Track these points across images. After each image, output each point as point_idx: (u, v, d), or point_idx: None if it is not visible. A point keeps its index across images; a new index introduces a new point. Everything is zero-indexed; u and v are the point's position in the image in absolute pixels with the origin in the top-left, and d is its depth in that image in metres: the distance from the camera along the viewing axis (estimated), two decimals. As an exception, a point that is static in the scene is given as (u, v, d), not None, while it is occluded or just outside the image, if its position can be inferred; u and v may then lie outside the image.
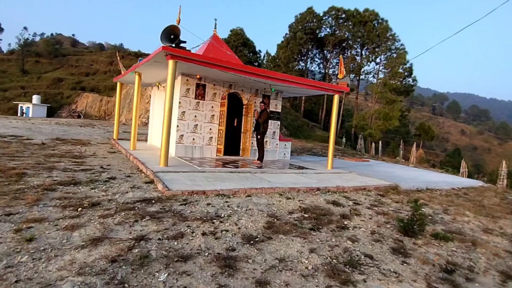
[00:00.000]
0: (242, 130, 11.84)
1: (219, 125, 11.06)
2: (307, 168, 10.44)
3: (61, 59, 61.67)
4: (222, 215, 4.86)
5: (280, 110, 12.59)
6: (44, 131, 14.95)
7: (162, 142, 7.96)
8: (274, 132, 12.50)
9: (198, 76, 10.42)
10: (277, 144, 12.57)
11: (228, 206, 5.38)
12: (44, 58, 62.02)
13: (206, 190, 6.00)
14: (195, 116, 10.63)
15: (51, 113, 40.42)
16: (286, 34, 52.74)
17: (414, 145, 20.87)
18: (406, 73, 43.09)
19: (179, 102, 10.32)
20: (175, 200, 5.39)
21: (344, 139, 31.62)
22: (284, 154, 13.15)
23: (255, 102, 11.72)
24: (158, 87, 13.22)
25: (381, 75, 46.94)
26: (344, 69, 11.34)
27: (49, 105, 40.78)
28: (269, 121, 11.38)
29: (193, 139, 10.65)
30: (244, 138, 11.73)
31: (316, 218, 5.21)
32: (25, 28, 72.97)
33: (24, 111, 38.81)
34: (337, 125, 49.82)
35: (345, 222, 5.18)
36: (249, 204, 5.63)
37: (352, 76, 50.48)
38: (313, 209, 5.70)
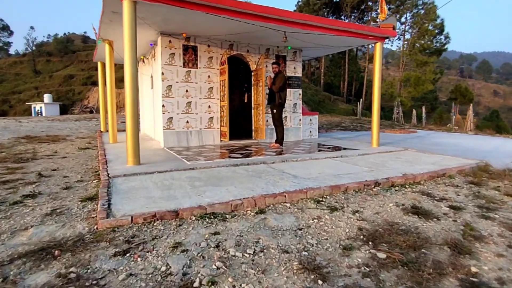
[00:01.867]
0: (253, 104, 8.97)
1: (220, 100, 8.23)
2: (346, 149, 7.51)
3: (71, 56, 60.73)
4: (198, 280, 2.11)
5: (300, 75, 9.58)
6: (22, 129, 12.71)
7: (127, 130, 5.26)
8: (295, 104, 9.54)
9: (184, 35, 7.56)
10: (300, 120, 9.64)
11: (217, 246, 2.62)
12: (54, 56, 61.33)
13: (181, 208, 3.26)
14: (186, 90, 7.84)
15: (64, 111, 39.35)
16: (299, 1, 48.46)
17: (471, 108, 17.26)
18: (436, 31, 38.27)
19: (162, 74, 7.54)
20: (112, 239, 2.68)
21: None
22: (310, 131, 10.21)
23: (266, 66, 8.78)
24: (144, 61, 10.47)
25: (407, 36, 42.20)
26: (386, 9, 8.13)
27: (61, 103, 39.98)
28: (287, 89, 8.42)
29: (187, 121, 7.90)
30: (255, 115, 8.87)
31: (404, 261, 2.38)
32: (32, 27, 71.52)
33: (38, 111, 38.25)
34: (362, 95, 45.91)
35: (469, 265, 2.32)
36: (261, 234, 2.85)
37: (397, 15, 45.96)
38: (387, 234, 2.86)
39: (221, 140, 8.34)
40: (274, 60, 8.69)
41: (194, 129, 7.99)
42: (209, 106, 8.15)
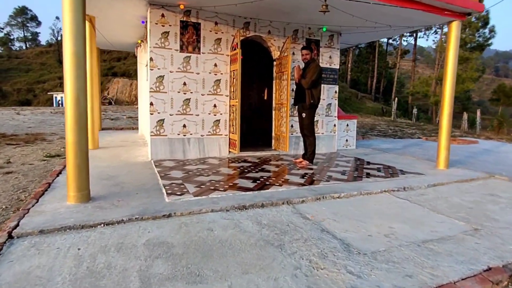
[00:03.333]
0: (274, 104, 6.82)
1: (230, 98, 6.13)
2: (403, 172, 5.24)
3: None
4: None
5: (337, 67, 7.32)
6: (10, 124, 11.11)
7: (67, 146, 3.25)
8: (330, 105, 7.30)
9: (182, 7, 5.48)
10: (335, 125, 7.40)
11: None
12: (78, 47, 61.15)
13: None
14: (184, 83, 5.77)
15: (85, 102, 38.90)
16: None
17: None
18: (480, 23, 34.52)
19: (150, 59, 5.51)
20: None
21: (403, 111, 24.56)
22: (346, 140, 7.96)
23: (293, 54, 6.59)
24: (141, 45, 8.51)
25: (445, 29, 38.49)
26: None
27: (82, 93, 39.59)
28: (321, 85, 6.17)
29: (184, 126, 5.85)
30: (277, 119, 6.71)
31: None
32: (57, 18, 71.56)
33: (59, 101, 38.00)
34: (392, 93, 42.81)
35: None
36: None
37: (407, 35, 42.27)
38: None
39: (229, 151, 6.26)
40: (305, 45, 6.48)
41: (193, 136, 5.94)
42: (215, 106, 6.06)
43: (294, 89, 5.82)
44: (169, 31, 5.58)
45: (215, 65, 5.98)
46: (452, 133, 14.94)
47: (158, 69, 5.56)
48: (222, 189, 3.90)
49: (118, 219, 2.86)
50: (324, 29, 6.77)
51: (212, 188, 3.92)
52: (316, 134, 5.90)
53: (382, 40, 46.71)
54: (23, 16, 68.52)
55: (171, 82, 5.66)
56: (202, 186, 3.98)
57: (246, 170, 5.01)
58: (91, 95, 6.86)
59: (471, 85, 31.43)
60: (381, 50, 47.10)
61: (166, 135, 5.72)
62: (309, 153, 5.59)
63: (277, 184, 4.22)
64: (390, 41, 49.70)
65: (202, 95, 5.93)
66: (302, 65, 5.84)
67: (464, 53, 32.77)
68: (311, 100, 5.38)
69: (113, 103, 37.06)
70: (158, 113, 5.63)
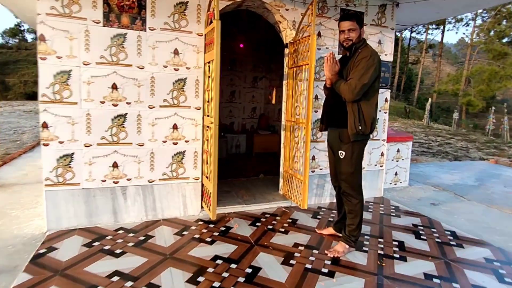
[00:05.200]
0: (284, 121, 4.04)
1: (203, 113, 3.38)
2: None
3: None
4: None
5: (391, 59, 4.47)
6: None
7: None
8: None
9: None
10: (382, 154, 4.56)
11: None
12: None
13: None
14: (113, 86, 3.06)
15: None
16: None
17: None
18: (520, 14, 30.66)
19: (40, 38, 2.81)
20: None
21: (427, 112, 20.60)
22: (396, 174, 5.13)
23: (318, 35, 3.80)
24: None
25: (478, 22, 34.70)
26: None
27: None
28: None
29: (115, 165, 3.14)
30: (289, 147, 3.92)
31: None
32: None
33: None
34: (415, 91, 39.41)
35: None
36: None
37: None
38: None
39: (201, 207, 3.53)
40: (338, 19, 3.66)
41: (133, 182, 3.23)
42: (175, 127, 3.33)
43: (324, 100, 3.02)
44: (81, -15, 2.87)
45: (176, 52, 3.24)
46: (506, 142, 11.82)
47: (58, 58, 2.86)
48: None
49: None
50: (373, -6, 3.94)
51: None
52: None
53: (404, 33, 42.98)
54: (32, 6, 67.42)
55: (86, 83, 2.96)
56: None
57: (226, 274, 2.28)
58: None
59: (509, 83, 27.90)
60: (402, 44, 43.41)
61: (78, 184, 3.03)
62: (351, 230, 2.79)
63: None
64: (414, 34, 45.93)
65: (151, 107, 3.21)
66: (337, 53, 3.06)
67: (501, 47, 29.25)
68: (359, 126, 2.58)
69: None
70: (61, 142, 2.94)
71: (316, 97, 3.89)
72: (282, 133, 4.10)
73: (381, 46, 4.27)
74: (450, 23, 37.73)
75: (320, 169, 4.04)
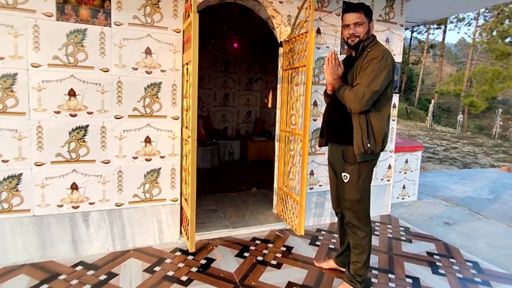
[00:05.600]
0: (278, 130, 3.53)
1: (182, 124, 2.87)
2: None
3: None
4: None
5: (399, 60, 3.96)
6: None
7: None
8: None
9: None
10: (389, 167, 4.05)
11: None
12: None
13: None
14: (71, 93, 2.54)
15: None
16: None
17: None
18: (524, 13, 30.15)
19: (-27, 34, 2.31)
20: None
21: (430, 113, 19.87)
22: (404, 187, 4.62)
23: (317, 32, 3.28)
24: None
25: (481, 21, 34.17)
26: None
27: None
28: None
29: (74, 187, 2.62)
30: (283, 160, 3.41)
31: None
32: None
33: None
34: (417, 92, 38.96)
35: None
36: None
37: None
38: None
39: (180, 233, 3.02)
40: (340, 13, 3.13)
41: (97, 207, 2.72)
42: (148, 140, 2.81)
43: (325, 109, 2.50)
44: (28, -30, 2.35)
45: (148, 51, 2.72)
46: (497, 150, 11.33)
47: (0, 59, 2.34)
48: None
49: None
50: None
51: None
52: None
53: (405, 33, 42.50)
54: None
55: (36, 90, 2.44)
56: None
57: None
58: None
59: (513, 84, 27.41)
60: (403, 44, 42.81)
61: (28, 210, 2.52)
62: (357, 269, 2.27)
63: None
64: (415, 34, 45.39)
65: (118, 117, 2.69)
66: (340, 53, 2.55)
67: (505, 47, 28.76)
68: (368, 143, 2.07)
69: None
70: (5, 161, 2.42)
71: (315, 104, 3.38)
72: (276, 144, 3.59)
73: (388, 45, 3.76)
74: (451, 22, 37.24)
75: (320, 186, 3.53)
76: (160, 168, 2.87)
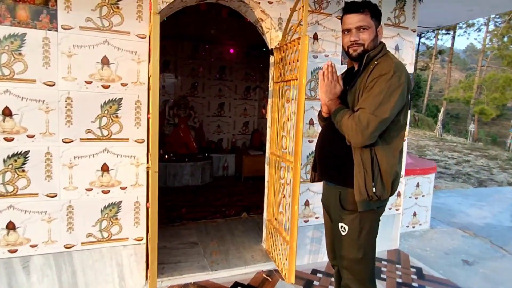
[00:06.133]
0: (268, 153, 3.03)
1: (147, 150, 2.37)
2: None
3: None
4: None
5: (411, 71, 3.44)
6: None
7: None
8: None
9: None
10: (399, 195, 3.50)
11: None
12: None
13: None
14: (6, 113, 2.07)
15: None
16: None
17: None
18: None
19: None
20: None
21: (439, 122, 19.19)
22: (415, 214, 4.07)
23: (314, 38, 2.78)
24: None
25: (491, 27, 33.38)
26: None
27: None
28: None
29: (10, 226, 2.14)
30: (273, 188, 2.90)
31: None
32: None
33: None
34: (424, 99, 38.19)
35: None
36: None
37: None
38: None
39: (146, 279, 2.51)
40: (341, 15, 2.59)
41: (40, 250, 2.23)
42: (105, 169, 2.32)
43: (319, 136, 1.97)
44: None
45: (105, 61, 2.24)
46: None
47: None
48: None
49: None
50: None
51: None
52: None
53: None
54: None
55: (-41, 108, 1.97)
56: None
57: None
58: None
59: (525, 91, 26.60)
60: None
61: (-50, 257, 2.04)
62: None
63: None
64: (423, 40, 44.68)
65: (67, 141, 2.21)
66: (339, 66, 2.04)
67: (516, 53, 28.02)
68: (373, 188, 1.55)
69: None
70: None
71: (311, 123, 2.87)
72: (266, 168, 3.08)
73: (398, 53, 3.23)
74: (461, 28, 36.49)
75: (316, 218, 3.00)
76: (121, 201, 2.38)
